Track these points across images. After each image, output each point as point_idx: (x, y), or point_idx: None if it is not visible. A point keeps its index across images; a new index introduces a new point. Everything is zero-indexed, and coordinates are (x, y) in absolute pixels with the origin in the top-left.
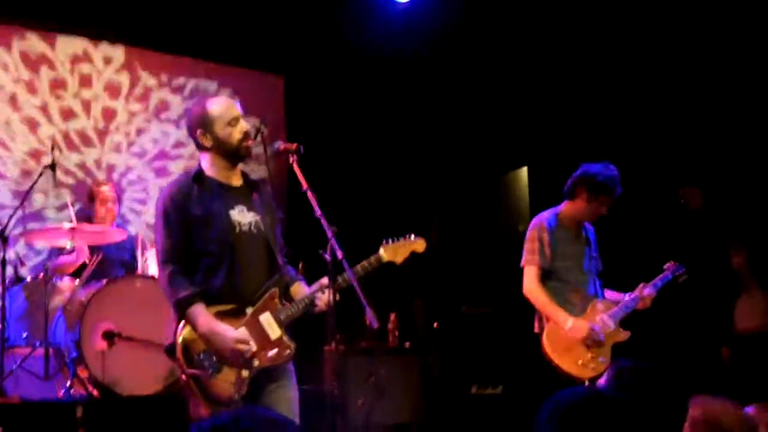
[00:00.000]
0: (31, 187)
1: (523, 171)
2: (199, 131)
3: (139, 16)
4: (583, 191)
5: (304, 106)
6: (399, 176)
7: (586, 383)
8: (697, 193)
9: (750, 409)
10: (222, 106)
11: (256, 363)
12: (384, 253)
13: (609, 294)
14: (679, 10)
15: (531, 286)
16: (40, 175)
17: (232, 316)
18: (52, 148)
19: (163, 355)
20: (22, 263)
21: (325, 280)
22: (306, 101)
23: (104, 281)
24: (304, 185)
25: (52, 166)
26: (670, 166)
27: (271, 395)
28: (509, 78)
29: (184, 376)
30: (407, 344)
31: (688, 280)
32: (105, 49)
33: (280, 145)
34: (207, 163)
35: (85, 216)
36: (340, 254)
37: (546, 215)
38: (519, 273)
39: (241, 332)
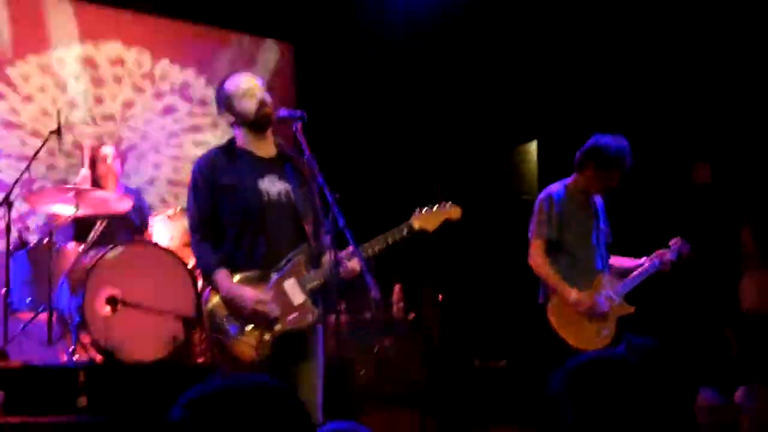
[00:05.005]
0: (37, 152)
1: (533, 144)
2: (222, 110)
3: None
4: (592, 163)
5: (313, 74)
6: (407, 148)
7: None
8: (707, 168)
9: (738, 393)
10: (236, 80)
11: (278, 327)
12: (415, 221)
13: (617, 260)
14: None
15: (537, 258)
16: (46, 140)
17: (257, 281)
18: (58, 114)
19: (167, 322)
20: (27, 228)
21: (350, 249)
22: (315, 70)
23: (109, 247)
24: (307, 152)
25: (58, 131)
26: (679, 141)
27: (296, 375)
28: (519, 51)
29: (208, 340)
30: (411, 316)
31: (694, 255)
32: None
33: (282, 112)
34: (238, 137)
35: (92, 182)
36: (341, 221)
37: (554, 187)
38: (525, 245)
39: (262, 294)
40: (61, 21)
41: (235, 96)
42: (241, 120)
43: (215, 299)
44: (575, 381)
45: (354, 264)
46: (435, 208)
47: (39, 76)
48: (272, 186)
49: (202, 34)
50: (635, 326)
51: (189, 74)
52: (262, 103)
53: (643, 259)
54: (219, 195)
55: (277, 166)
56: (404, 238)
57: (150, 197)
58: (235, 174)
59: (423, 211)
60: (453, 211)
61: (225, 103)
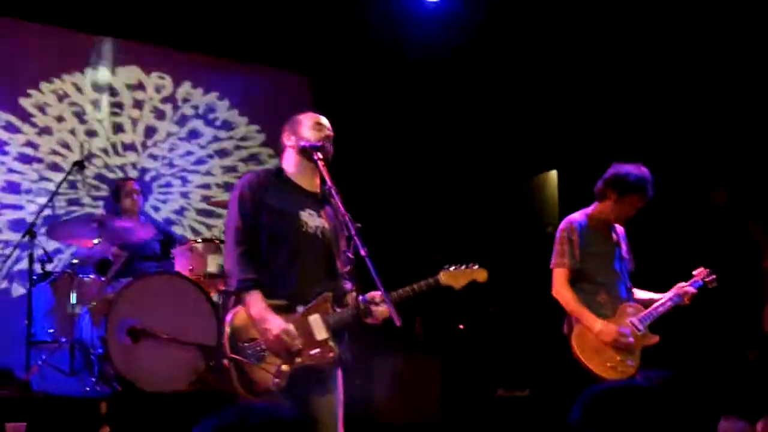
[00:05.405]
0: (60, 184)
1: (553, 174)
2: (286, 133)
3: (166, 15)
4: (613, 192)
5: (330, 106)
6: (426, 177)
7: None
8: (723, 193)
9: (760, 424)
10: (313, 115)
11: (298, 360)
12: (442, 277)
13: (641, 293)
14: (707, 17)
15: (560, 287)
16: (69, 172)
17: (283, 311)
18: (81, 147)
19: (188, 353)
20: (50, 259)
21: (378, 294)
22: (333, 101)
23: (130, 278)
24: (329, 183)
25: (80, 164)
26: (697, 168)
27: (313, 410)
28: (539, 80)
29: (226, 362)
30: (431, 345)
31: (718, 283)
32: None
33: (304, 143)
34: (288, 164)
35: (113, 212)
36: (363, 251)
37: (576, 216)
38: (547, 274)
39: (290, 326)
40: (74, 50)
41: (306, 124)
42: (298, 143)
43: (238, 322)
44: (596, 410)
45: (382, 309)
46: (463, 268)
47: (56, 105)
48: (311, 220)
49: (223, 65)
50: (658, 353)
51: (212, 97)
52: (327, 138)
53: (664, 295)
54: (261, 212)
55: (318, 202)
56: (431, 289)
57: (179, 229)
58: (280, 197)
59: (451, 269)
60: (479, 274)
61: (291, 125)
